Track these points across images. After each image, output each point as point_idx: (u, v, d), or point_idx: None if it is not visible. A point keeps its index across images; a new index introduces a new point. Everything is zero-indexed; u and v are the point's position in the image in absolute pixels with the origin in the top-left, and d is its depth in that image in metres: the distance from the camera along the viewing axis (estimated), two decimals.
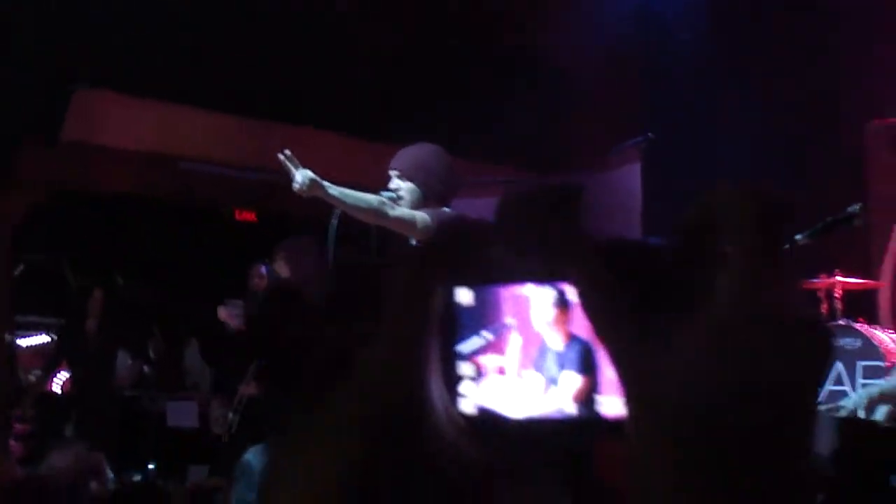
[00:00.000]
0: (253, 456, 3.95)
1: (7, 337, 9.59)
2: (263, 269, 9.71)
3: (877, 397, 4.32)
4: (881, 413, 4.64)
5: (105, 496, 5.15)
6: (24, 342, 9.98)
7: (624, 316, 1.12)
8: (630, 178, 8.32)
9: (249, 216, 12.05)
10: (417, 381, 1.16)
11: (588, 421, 1.19)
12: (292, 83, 9.29)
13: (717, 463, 1.01)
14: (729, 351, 1.02)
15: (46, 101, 8.44)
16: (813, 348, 1.05)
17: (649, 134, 8.17)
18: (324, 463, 1.10)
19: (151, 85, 9.26)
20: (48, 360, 9.77)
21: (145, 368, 10.14)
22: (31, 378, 8.94)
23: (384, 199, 6.04)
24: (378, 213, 5.98)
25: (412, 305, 1.20)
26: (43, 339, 10.93)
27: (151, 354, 10.41)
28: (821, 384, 1.08)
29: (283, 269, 8.31)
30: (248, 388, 9.46)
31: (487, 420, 1.22)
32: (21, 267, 8.87)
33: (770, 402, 1.02)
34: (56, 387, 10.11)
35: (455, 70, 9.79)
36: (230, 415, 9.44)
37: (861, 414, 4.26)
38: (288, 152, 5.85)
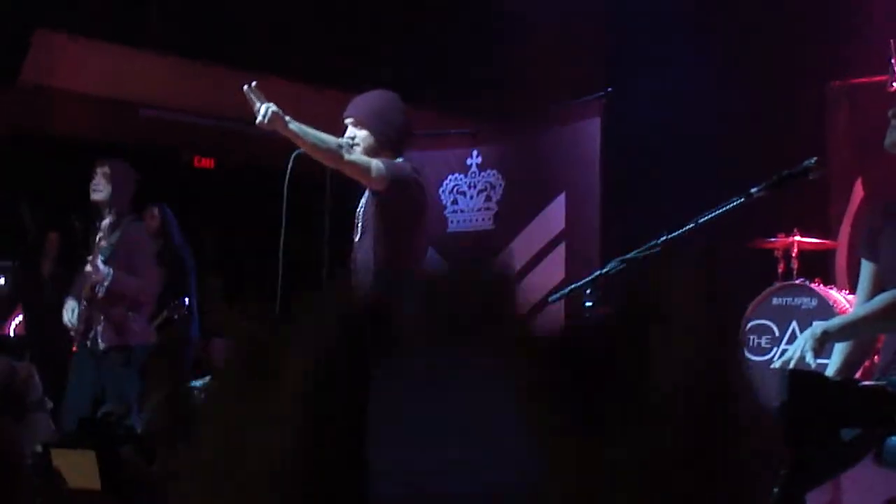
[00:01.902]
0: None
1: None
2: (156, 210, 9.72)
3: (820, 335, 4.31)
4: (837, 354, 4.65)
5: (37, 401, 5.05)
6: None
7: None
8: (589, 132, 8.31)
9: (208, 163, 12.01)
10: None
11: None
12: (249, 29, 9.24)
13: None
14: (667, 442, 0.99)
15: (4, 44, 8.36)
16: (761, 452, 1.02)
17: (609, 88, 8.16)
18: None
19: (111, 29, 9.19)
20: (2, 303, 9.73)
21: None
22: None
23: (341, 142, 6.02)
24: (334, 154, 5.97)
25: None
26: None
27: None
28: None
29: (103, 187, 8.29)
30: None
31: None
32: None
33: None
34: (10, 330, 10.08)
35: (411, 16, 9.74)
36: None
37: (809, 356, 4.24)
38: (254, 84, 5.86)
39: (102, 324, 8.29)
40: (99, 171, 8.28)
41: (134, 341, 8.45)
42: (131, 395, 8.09)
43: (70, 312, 8.37)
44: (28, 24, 8.41)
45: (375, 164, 6.09)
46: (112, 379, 8.37)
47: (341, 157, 6.02)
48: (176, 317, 9.30)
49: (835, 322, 4.68)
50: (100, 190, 8.29)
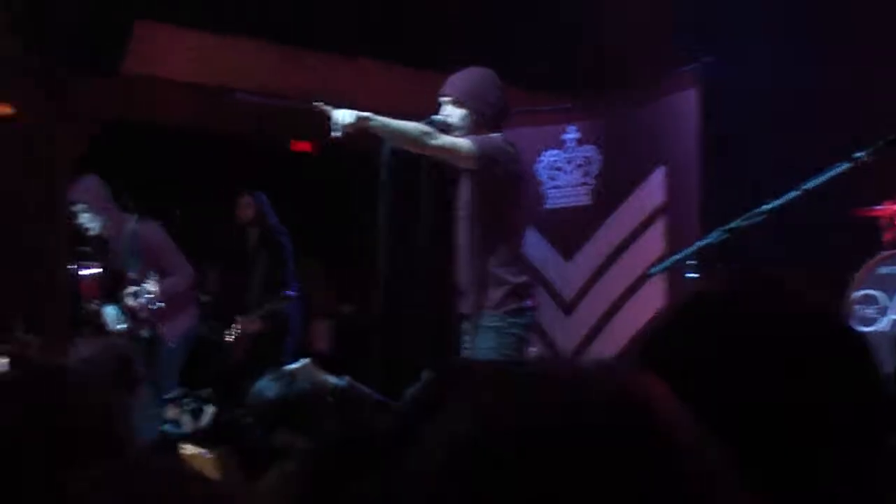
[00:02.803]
0: (265, 383, 3.97)
1: (69, 267, 9.71)
2: (250, 199, 9.79)
3: None
4: None
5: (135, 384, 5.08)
6: (84, 272, 10.06)
7: None
8: (687, 103, 8.23)
9: (305, 147, 12.08)
10: None
11: None
12: (343, 13, 9.27)
13: None
14: None
15: (105, 34, 8.47)
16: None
17: (705, 58, 8.07)
18: None
19: (207, 17, 9.28)
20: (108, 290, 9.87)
21: (202, 299, 10.19)
22: (92, 307, 9.03)
23: (425, 129, 6.01)
24: (418, 141, 5.97)
25: None
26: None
27: (209, 285, 10.49)
28: None
29: (88, 220, 8.43)
30: (253, 325, 9.60)
31: None
32: None
33: None
34: None
35: None
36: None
37: None
38: (318, 104, 5.87)
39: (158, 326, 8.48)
40: (72, 211, 8.49)
41: (179, 330, 8.61)
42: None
43: (114, 319, 8.57)
44: (128, 16, 8.51)
45: (464, 143, 6.08)
46: (165, 364, 8.53)
47: (426, 142, 6.01)
48: (282, 308, 9.41)
49: None
50: (89, 227, 8.49)
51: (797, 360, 1.38)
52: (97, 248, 8.65)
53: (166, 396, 8.06)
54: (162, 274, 8.42)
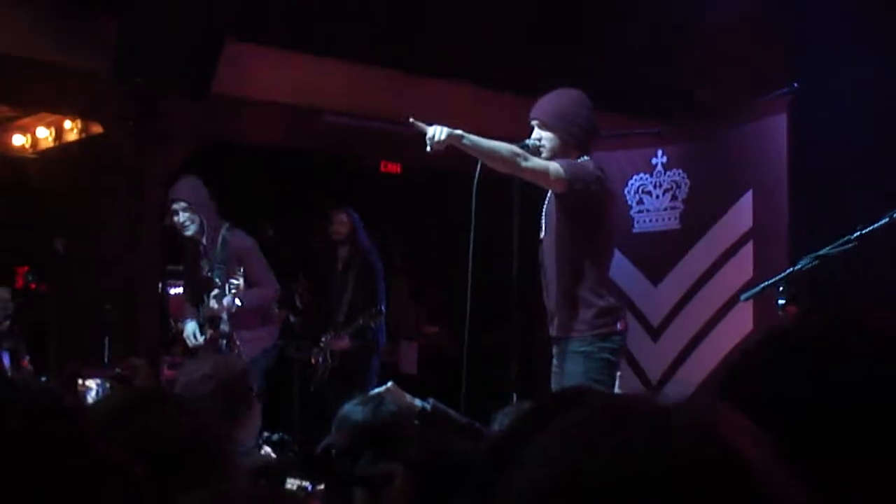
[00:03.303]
0: (352, 407, 3.98)
1: (159, 286, 9.84)
2: (344, 216, 9.82)
3: None
4: None
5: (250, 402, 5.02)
6: (174, 291, 10.19)
7: None
8: (776, 129, 8.18)
9: (395, 168, 12.13)
10: None
11: None
12: (431, 35, 9.33)
13: None
14: None
15: (196, 55, 8.58)
16: None
17: (795, 84, 8.02)
18: None
19: (295, 38, 9.38)
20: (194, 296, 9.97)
21: (290, 318, 10.27)
22: (181, 326, 9.13)
23: (516, 150, 6.02)
24: (509, 162, 5.98)
25: None
26: None
27: (298, 303, 10.56)
28: None
29: (187, 219, 8.46)
30: (341, 343, 9.61)
31: None
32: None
33: None
34: None
35: (592, 17, 9.72)
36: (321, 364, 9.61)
37: None
38: (413, 121, 5.90)
39: (238, 344, 8.48)
40: (172, 209, 8.51)
41: (260, 348, 8.62)
42: None
43: (192, 335, 8.61)
44: (219, 37, 8.62)
45: (553, 166, 6.08)
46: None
47: (518, 164, 6.01)
48: (372, 325, 9.43)
49: None
50: (186, 225, 8.48)
51: (879, 398, 1.38)
52: (191, 252, 8.69)
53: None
54: (249, 285, 8.45)
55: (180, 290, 9.51)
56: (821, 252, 5.48)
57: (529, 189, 6.35)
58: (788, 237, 7.87)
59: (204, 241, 8.50)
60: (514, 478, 1.10)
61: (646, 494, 1.04)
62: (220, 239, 8.50)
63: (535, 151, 6.16)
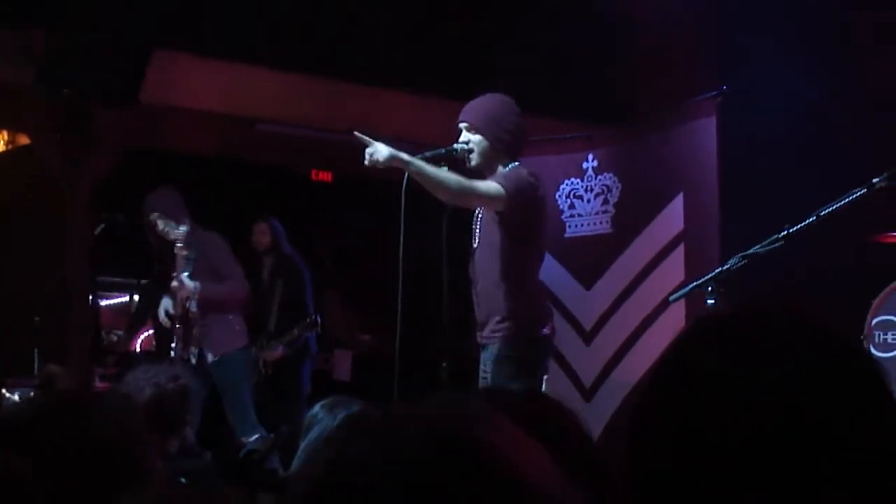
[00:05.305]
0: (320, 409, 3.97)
1: (90, 297, 9.74)
2: (265, 226, 9.80)
3: None
4: None
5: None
6: (105, 303, 10.11)
7: None
8: (705, 131, 8.23)
9: (326, 177, 12.11)
10: None
11: None
12: (363, 42, 9.30)
13: None
14: None
15: (125, 64, 8.51)
16: None
17: (724, 86, 8.07)
18: None
19: (226, 47, 9.32)
20: (130, 319, 9.90)
21: None
22: (113, 338, 9.06)
23: (463, 182, 5.95)
24: (457, 194, 5.94)
25: None
26: (123, 299, 11.10)
27: None
28: None
29: (165, 226, 8.61)
30: (275, 353, 9.59)
31: None
32: (102, 227, 8.96)
33: None
34: (136, 345, 10.27)
35: (523, 22, 9.74)
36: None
37: None
38: (358, 134, 5.85)
39: (204, 337, 8.50)
40: (149, 221, 8.63)
41: (231, 347, 8.65)
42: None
43: (164, 312, 8.63)
44: (147, 46, 8.54)
45: (496, 189, 6.03)
46: (223, 387, 8.58)
47: (466, 195, 5.99)
48: (308, 334, 9.41)
49: None
50: (168, 231, 8.59)
51: (808, 383, 1.39)
52: (171, 258, 8.69)
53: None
54: (218, 282, 8.63)
55: (112, 301, 9.45)
56: (749, 251, 5.53)
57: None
58: (719, 238, 7.92)
59: (182, 242, 8.51)
60: (291, 479, 1.23)
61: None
62: (194, 240, 8.61)
63: (463, 156, 6.15)
